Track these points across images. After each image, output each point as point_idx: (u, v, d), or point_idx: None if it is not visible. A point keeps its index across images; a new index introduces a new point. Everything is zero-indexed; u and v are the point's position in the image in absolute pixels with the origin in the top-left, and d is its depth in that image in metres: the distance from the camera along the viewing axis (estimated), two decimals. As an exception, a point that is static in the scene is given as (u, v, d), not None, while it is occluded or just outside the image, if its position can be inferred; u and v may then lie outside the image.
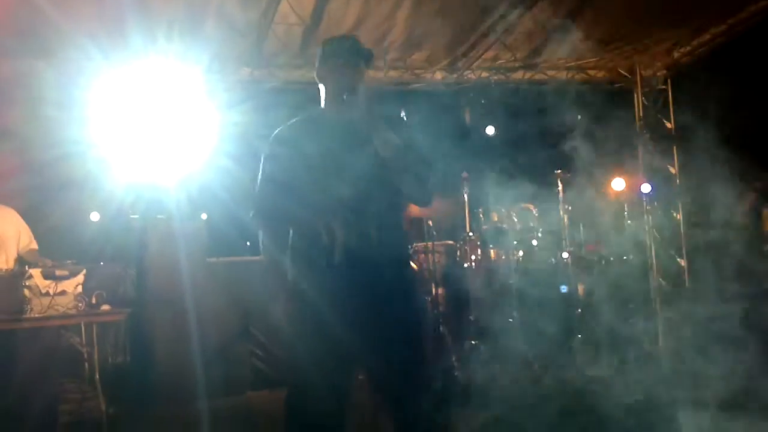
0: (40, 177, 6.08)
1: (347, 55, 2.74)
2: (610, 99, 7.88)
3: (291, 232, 2.71)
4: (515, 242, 6.44)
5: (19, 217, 5.49)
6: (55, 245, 5.84)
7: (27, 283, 4.84)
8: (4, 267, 5.22)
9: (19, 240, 5.42)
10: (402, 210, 2.87)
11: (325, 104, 2.80)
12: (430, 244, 6.28)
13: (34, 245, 5.49)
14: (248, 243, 7.15)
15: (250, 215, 2.74)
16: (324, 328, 2.53)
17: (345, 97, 2.67)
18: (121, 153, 5.28)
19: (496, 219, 6.58)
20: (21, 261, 5.35)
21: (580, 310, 6.21)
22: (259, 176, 2.72)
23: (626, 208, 6.91)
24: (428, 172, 2.75)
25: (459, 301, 6.45)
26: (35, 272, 4.90)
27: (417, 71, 7.17)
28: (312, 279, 2.61)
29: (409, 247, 3.64)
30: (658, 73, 7.76)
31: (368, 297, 2.57)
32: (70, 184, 6.64)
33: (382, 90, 6.30)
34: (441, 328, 6.21)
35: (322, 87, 2.80)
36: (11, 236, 5.38)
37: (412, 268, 3.02)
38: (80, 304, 4.97)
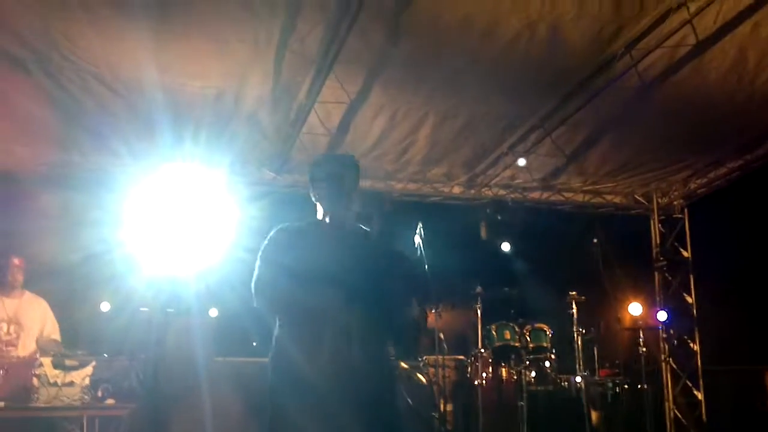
0: (69, 277, 6.22)
1: (337, 173, 2.88)
2: (626, 223, 7.96)
3: (276, 329, 2.75)
4: (527, 362, 6.36)
5: (48, 309, 5.63)
6: (72, 337, 5.89)
7: (37, 372, 4.87)
8: (21, 354, 5.30)
9: (42, 330, 5.53)
10: (387, 327, 2.88)
11: (322, 217, 2.91)
12: (440, 357, 6.23)
13: (56, 336, 5.58)
14: (254, 343, 7.10)
15: (254, 305, 2.78)
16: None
17: (342, 212, 2.82)
18: (146, 250, 5.44)
19: (508, 337, 6.52)
20: (38, 350, 5.40)
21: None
22: (256, 272, 2.78)
23: (642, 335, 6.80)
24: (427, 298, 2.84)
25: (467, 419, 6.32)
26: (46, 361, 4.94)
27: (435, 185, 7.34)
28: (292, 380, 2.63)
29: (394, 366, 3.60)
30: (675, 202, 7.86)
31: (347, 408, 2.56)
32: (97, 284, 6.77)
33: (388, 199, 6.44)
34: (447, 447, 6.06)
35: (316, 198, 2.92)
36: (34, 326, 5.49)
37: (397, 389, 3.02)
38: (86, 397, 4.96)
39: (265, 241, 2.83)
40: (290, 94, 5.46)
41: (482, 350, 6.44)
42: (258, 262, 2.79)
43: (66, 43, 4.77)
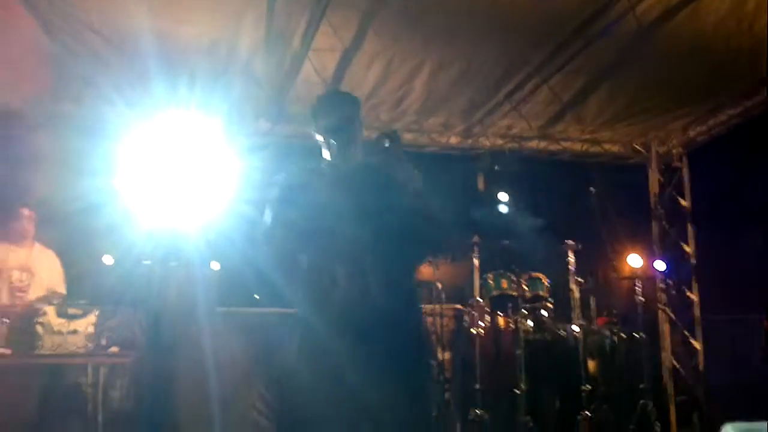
0: (68, 226, 6.26)
1: (341, 112, 2.80)
2: (625, 172, 7.95)
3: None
4: (524, 311, 6.41)
5: (57, 261, 5.75)
6: (74, 287, 5.99)
7: (40, 320, 4.96)
8: (27, 303, 5.37)
9: (50, 280, 5.63)
10: (411, 266, 2.84)
11: (330, 157, 2.83)
12: (437, 306, 6.29)
13: (62, 290, 5.68)
14: (257, 296, 7.17)
15: (265, 250, 2.76)
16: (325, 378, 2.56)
17: (346, 151, 2.77)
18: (144, 201, 5.49)
19: (505, 286, 6.57)
20: (43, 299, 5.49)
21: (589, 386, 6.11)
22: (269, 219, 2.74)
23: (638, 284, 6.83)
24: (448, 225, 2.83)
25: (465, 367, 6.41)
26: (50, 310, 5.03)
27: (432, 135, 7.31)
28: (317, 314, 2.63)
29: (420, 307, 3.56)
30: (674, 150, 7.81)
31: (369, 358, 2.51)
32: (94, 234, 6.80)
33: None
34: (446, 395, 6.15)
35: (322, 141, 2.84)
36: (44, 275, 5.61)
37: (420, 330, 2.97)
38: (90, 344, 5.06)
39: (275, 189, 2.79)
40: (284, 41, 5.42)
41: (479, 299, 6.49)
42: (270, 209, 2.75)
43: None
